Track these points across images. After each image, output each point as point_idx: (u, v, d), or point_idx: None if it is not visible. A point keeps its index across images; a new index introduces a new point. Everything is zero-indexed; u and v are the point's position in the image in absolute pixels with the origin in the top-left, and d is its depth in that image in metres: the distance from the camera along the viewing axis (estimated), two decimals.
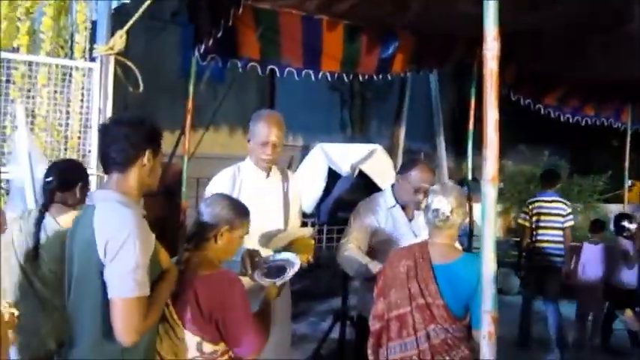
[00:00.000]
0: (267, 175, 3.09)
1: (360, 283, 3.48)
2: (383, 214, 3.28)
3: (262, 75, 4.83)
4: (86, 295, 1.98)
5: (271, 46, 4.61)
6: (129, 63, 3.19)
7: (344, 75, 5.13)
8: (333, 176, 7.73)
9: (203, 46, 4.20)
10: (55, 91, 3.10)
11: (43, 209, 2.67)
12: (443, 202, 2.60)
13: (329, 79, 5.07)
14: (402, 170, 3.36)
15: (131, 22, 3.11)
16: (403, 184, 3.28)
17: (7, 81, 3.02)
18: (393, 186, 3.41)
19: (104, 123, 2.17)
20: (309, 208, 7.37)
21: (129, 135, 2.01)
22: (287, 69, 4.82)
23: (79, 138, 3.29)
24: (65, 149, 3.23)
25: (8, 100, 3.02)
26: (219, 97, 10.75)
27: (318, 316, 6.21)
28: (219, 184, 3.00)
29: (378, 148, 8.08)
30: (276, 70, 4.78)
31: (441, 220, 2.61)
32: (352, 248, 3.17)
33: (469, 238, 5.18)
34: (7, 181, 2.92)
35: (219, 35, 3.81)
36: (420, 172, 3.24)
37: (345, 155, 7.84)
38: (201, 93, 9.82)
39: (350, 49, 4.89)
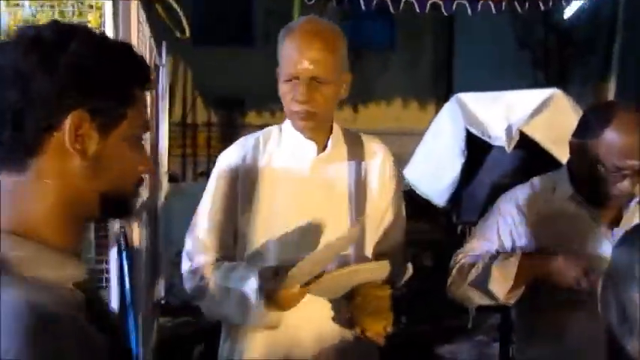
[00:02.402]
0: (322, 149, 1.56)
1: (523, 319, 2.01)
2: (549, 211, 1.68)
3: (396, 11, 3.68)
4: None
5: None
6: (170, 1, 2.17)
7: (515, 3, 3.77)
8: (480, 147, 4.22)
9: None
10: None
11: None
12: None
13: (493, 10, 3.72)
14: (582, 131, 1.64)
15: None
16: (584, 159, 1.61)
17: None
18: (570, 162, 1.75)
19: None
20: (440, 198, 4.52)
21: (25, 73, 0.76)
22: (429, 2, 3.63)
23: None
24: None
25: None
26: (392, 67, 10.11)
27: (487, 333, 4.81)
28: (225, 168, 1.58)
29: (557, 94, 4.19)
30: (415, 3, 3.61)
31: None
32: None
33: None
34: None
35: None
36: (622, 135, 1.53)
37: (497, 111, 4.20)
38: (371, 64, 9.11)
39: None
